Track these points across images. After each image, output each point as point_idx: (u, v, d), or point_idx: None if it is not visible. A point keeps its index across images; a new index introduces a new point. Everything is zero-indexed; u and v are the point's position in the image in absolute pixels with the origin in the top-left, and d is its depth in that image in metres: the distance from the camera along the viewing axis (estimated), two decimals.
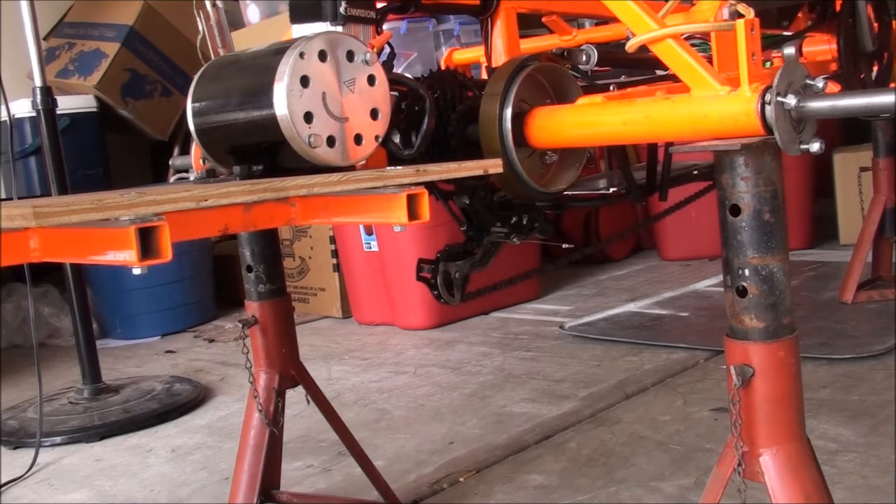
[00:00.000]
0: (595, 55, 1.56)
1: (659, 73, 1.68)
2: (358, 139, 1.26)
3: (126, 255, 0.85)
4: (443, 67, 1.96)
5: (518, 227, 1.56)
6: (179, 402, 2.99)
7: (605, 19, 1.93)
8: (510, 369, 3.06)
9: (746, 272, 1.16)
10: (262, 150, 1.26)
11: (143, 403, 2.99)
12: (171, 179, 1.74)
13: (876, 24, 1.93)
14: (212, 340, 4.04)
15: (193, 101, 1.32)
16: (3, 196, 4.49)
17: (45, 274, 4.18)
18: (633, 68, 1.74)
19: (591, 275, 4.55)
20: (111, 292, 4.21)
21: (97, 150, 4.43)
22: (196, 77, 1.34)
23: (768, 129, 1.12)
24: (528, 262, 3.69)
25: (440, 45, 3.98)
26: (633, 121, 1.27)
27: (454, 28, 4.00)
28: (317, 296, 4.22)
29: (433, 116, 1.40)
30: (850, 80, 1.85)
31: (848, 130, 5.01)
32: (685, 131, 1.22)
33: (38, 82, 2.98)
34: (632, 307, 3.73)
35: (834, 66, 1.89)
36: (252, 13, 4.64)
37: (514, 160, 1.41)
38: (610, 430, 2.40)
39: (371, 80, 1.27)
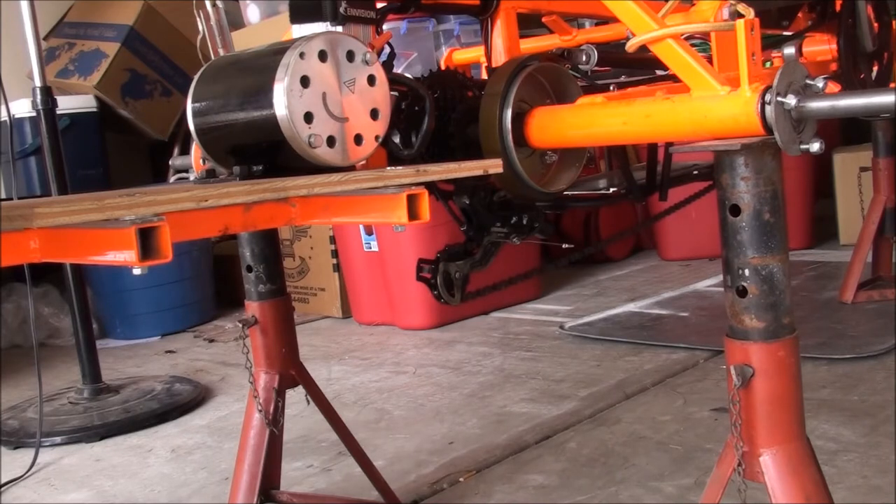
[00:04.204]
0: (595, 55, 1.56)
1: (659, 73, 1.68)
2: (358, 139, 1.26)
3: (126, 256, 0.85)
4: (443, 67, 1.96)
5: (518, 227, 1.56)
6: (179, 402, 2.99)
7: (605, 19, 1.93)
8: (510, 369, 3.06)
9: (746, 272, 1.16)
10: (262, 151, 1.26)
11: (143, 403, 2.99)
12: (171, 179, 1.74)
13: (876, 24, 1.93)
14: (212, 340, 4.04)
15: (193, 102, 1.32)
16: (3, 196, 4.49)
17: (45, 274, 4.18)
18: (633, 68, 1.75)
19: (591, 275, 4.55)
20: (111, 292, 4.21)
21: (97, 150, 4.43)
22: (196, 77, 1.34)
23: (768, 129, 1.12)
24: (528, 262, 3.69)
25: (440, 45, 3.98)
26: (633, 121, 1.27)
27: (454, 28, 4.00)
28: (317, 296, 4.22)
29: (433, 116, 1.41)
30: (850, 80, 1.85)
31: (848, 130, 5.00)
32: (685, 131, 1.22)
33: (38, 82, 2.98)
34: (632, 307, 3.73)
35: (834, 66, 1.89)
36: (252, 13, 4.64)
37: (514, 160, 1.41)
38: (610, 430, 2.40)
39: (371, 80, 1.27)
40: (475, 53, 1.94)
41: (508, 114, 1.40)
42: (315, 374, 1.86)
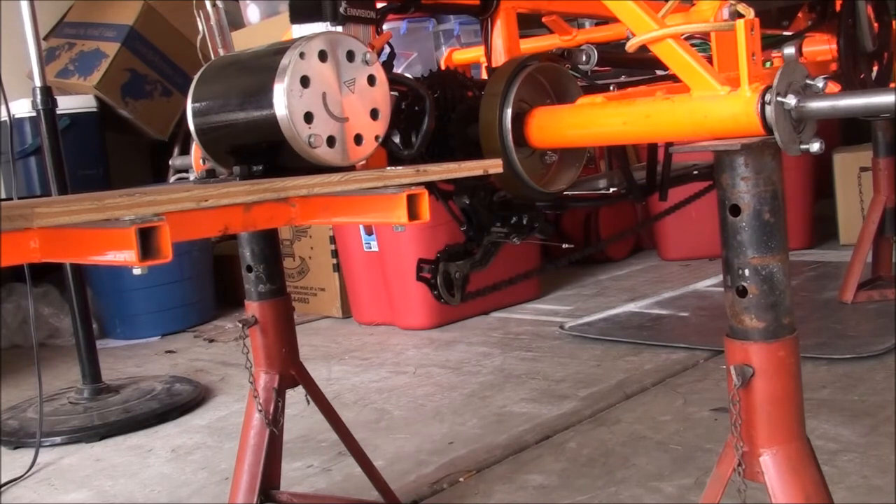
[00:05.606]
0: (595, 55, 1.56)
1: (659, 73, 1.68)
2: (358, 139, 1.26)
3: (126, 256, 0.85)
4: (443, 67, 1.96)
5: (518, 227, 1.56)
6: (179, 402, 2.99)
7: (605, 19, 1.93)
8: (510, 369, 3.06)
9: (746, 272, 1.16)
10: (262, 151, 1.26)
11: (143, 403, 2.99)
12: (171, 179, 1.74)
13: (876, 24, 1.93)
14: (212, 340, 4.04)
15: (193, 102, 1.32)
16: (3, 196, 4.49)
17: (45, 274, 4.18)
18: (633, 68, 1.75)
19: (591, 275, 4.55)
20: (111, 292, 4.21)
21: (97, 150, 4.43)
22: (196, 77, 1.34)
23: (768, 129, 1.12)
24: (528, 262, 3.69)
25: (440, 45, 3.98)
26: (633, 121, 1.27)
27: (454, 28, 4.00)
28: (317, 296, 4.22)
29: (433, 116, 1.41)
30: (850, 80, 1.85)
31: (848, 130, 5.00)
32: (685, 131, 1.22)
33: (38, 82, 2.98)
34: (632, 307, 3.73)
35: (834, 66, 1.89)
36: (252, 13, 4.64)
37: (514, 160, 1.41)
38: (610, 430, 2.40)
39: (371, 80, 1.27)
40: (475, 53, 1.94)
41: (508, 114, 1.40)
42: (315, 374, 1.86)
